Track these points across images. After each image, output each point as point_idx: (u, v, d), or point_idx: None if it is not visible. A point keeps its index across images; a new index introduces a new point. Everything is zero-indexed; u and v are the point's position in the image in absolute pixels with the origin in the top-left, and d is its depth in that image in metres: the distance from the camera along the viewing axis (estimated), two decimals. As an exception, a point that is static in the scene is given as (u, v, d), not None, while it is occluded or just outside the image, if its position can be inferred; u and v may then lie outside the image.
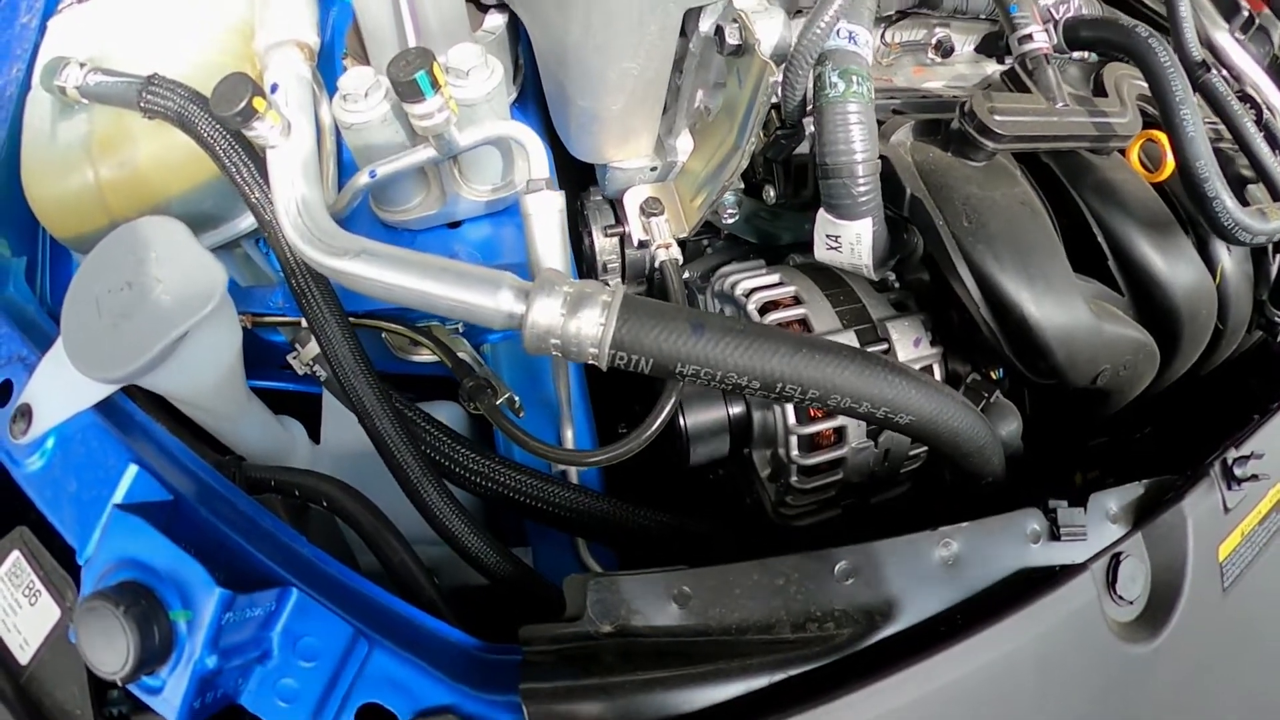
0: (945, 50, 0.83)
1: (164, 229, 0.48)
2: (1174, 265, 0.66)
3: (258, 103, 0.46)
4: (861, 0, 0.56)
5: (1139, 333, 0.65)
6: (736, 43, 0.57)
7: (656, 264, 0.64)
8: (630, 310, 0.47)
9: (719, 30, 0.58)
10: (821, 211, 0.58)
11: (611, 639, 0.46)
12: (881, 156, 0.60)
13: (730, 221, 0.69)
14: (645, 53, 0.57)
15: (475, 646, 0.47)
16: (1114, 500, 0.55)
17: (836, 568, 0.46)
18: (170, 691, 0.37)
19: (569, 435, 0.70)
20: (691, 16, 0.61)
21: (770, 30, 0.56)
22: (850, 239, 0.58)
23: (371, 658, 0.41)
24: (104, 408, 0.48)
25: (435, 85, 0.49)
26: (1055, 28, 0.73)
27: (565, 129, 0.68)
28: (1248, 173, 0.83)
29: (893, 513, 0.72)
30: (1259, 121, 0.91)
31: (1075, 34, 0.71)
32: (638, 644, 0.46)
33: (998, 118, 0.57)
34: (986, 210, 0.56)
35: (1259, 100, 0.89)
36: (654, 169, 0.67)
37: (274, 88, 0.52)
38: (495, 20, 0.65)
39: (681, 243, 0.74)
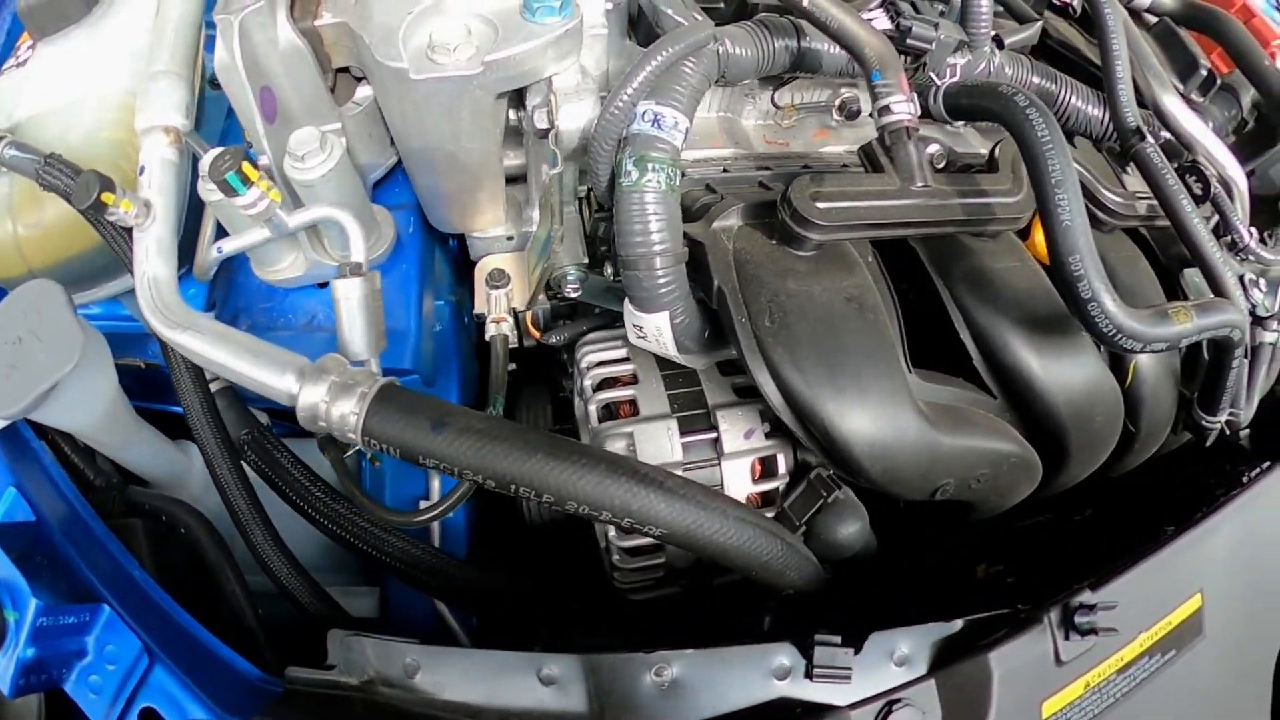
0: (850, 112, 0.82)
1: (47, 293, 0.65)
2: (1054, 367, 0.64)
3: (106, 197, 0.61)
4: (675, 77, 0.58)
5: (1004, 443, 0.64)
6: (544, 126, 0.63)
7: (487, 336, 0.73)
8: (380, 403, 0.56)
9: (534, 112, 0.64)
10: (626, 300, 0.63)
11: (358, 692, 0.58)
12: (699, 242, 0.64)
13: (575, 295, 0.73)
14: (465, 136, 0.64)
15: (254, 676, 0.61)
16: (906, 641, 0.55)
17: (541, 671, 0.52)
18: (1, 670, 0.56)
19: (435, 487, 0.82)
20: (517, 95, 0.68)
21: (575, 114, 0.61)
22: (652, 330, 0.62)
23: (152, 671, 0.55)
24: (5, 434, 0.67)
25: (247, 181, 0.61)
26: (937, 95, 0.69)
27: (420, 201, 0.77)
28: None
29: (733, 597, 0.76)
30: (1204, 196, 0.81)
31: (955, 102, 0.69)
32: (380, 701, 0.57)
33: (821, 204, 0.57)
34: (796, 309, 0.57)
35: (1208, 173, 0.79)
36: (510, 238, 0.75)
37: (142, 169, 0.68)
38: (364, 91, 0.76)
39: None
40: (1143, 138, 0.78)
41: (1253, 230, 0.86)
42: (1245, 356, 0.78)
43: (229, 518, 0.69)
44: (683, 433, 0.67)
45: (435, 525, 0.79)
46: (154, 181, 0.65)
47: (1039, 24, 0.86)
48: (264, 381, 0.58)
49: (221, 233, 0.70)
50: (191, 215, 0.70)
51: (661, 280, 0.58)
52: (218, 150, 0.62)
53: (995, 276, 0.65)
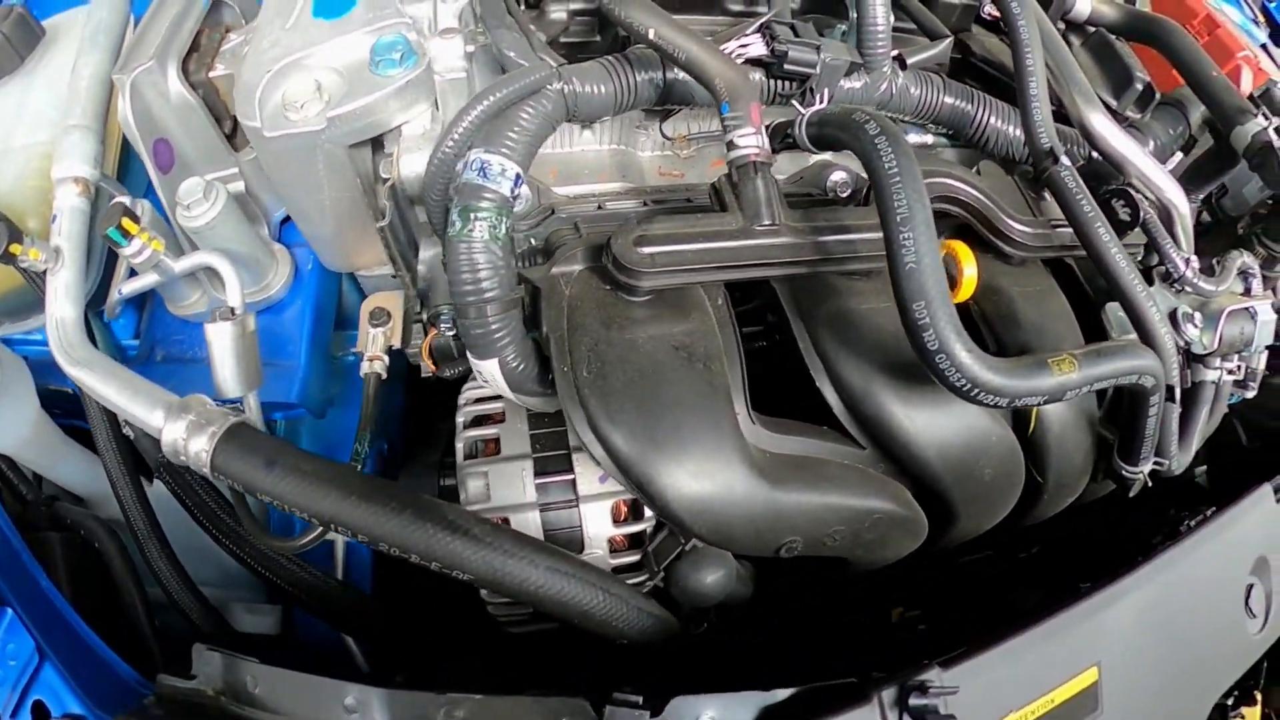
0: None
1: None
2: (922, 416, 0.62)
3: (14, 248, 0.71)
4: (508, 123, 0.61)
5: (864, 498, 0.63)
6: (385, 175, 0.68)
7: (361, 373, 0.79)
8: (226, 441, 0.61)
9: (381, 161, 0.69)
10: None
11: (211, 700, 0.66)
12: (538, 286, 0.67)
13: (450, 335, 0.75)
14: (327, 186, 0.70)
15: (131, 679, 0.70)
16: (713, 708, 0.55)
17: (345, 700, 0.58)
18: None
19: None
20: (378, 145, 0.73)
21: (415, 162, 0.66)
22: (487, 374, 0.66)
23: (42, 668, 0.64)
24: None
25: (127, 234, 0.70)
26: (801, 123, 0.68)
27: (308, 241, 0.83)
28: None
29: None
30: (1131, 222, 0.76)
31: (816, 131, 0.68)
32: (227, 711, 0.65)
33: (644, 250, 0.59)
34: (616, 358, 0.58)
35: (1139, 197, 0.74)
36: (395, 275, 0.81)
37: (54, 218, 0.78)
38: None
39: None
40: (1055, 160, 0.75)
41: (1192, 259, 0.81)
42: (1171, 400, 0.73)
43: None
44: (539, 474, 0.70)
45: (339, 552, 0.87)
46: (64, 229, 0.75)
47: (948, 41, 0.83)
48: (138, 416, 0.66)
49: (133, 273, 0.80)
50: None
51: (492, 327, 0.62)
52: (113, 202, 0.71)
53: (860, 319, 0.64)
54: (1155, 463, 0.78)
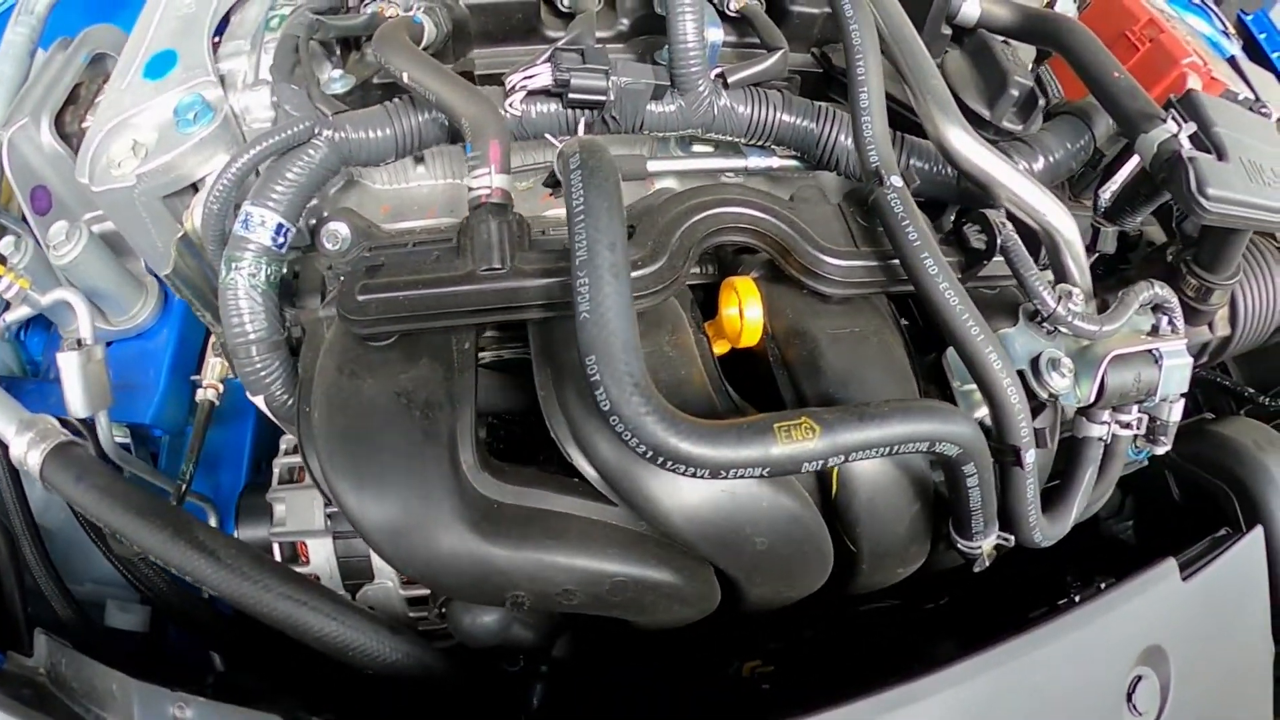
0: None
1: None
2: (664, 476, 0.60)
3: None
4: (273, 176, 0.69)
5: (601, 561, 0.64)
6: (182, 225, 0.79)
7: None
8: (53, 457, 0.73)
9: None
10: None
11: (40, 678, 0.81)
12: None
13: None
14: (154, 231, 0.83)
15: None
16: None
17: (111, 685, 0.70)
18: None
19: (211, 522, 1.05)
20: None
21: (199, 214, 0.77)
22: (260, 408, 0.75)
23: None
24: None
25: None
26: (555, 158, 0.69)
27: None
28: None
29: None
30: (986, 251, 0.69)
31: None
32: (45, 691, 0.80)
33: (363, 297, 0.63)
34: (341, 404, 0.63)
35: (999, 222, 0.67)
36: (196, 313, 0.93)
37: None
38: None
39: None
40: (881, 181, 0.71)
41: (1074, 294, 0.75)
42: (1018, 464, 0.68)
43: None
44: (329, 503, 0.79)
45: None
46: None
47: (779, 54, 0.80)
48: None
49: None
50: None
51: (257, 366, 0.71)
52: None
53: None
54: (1001, 536, 0.73)
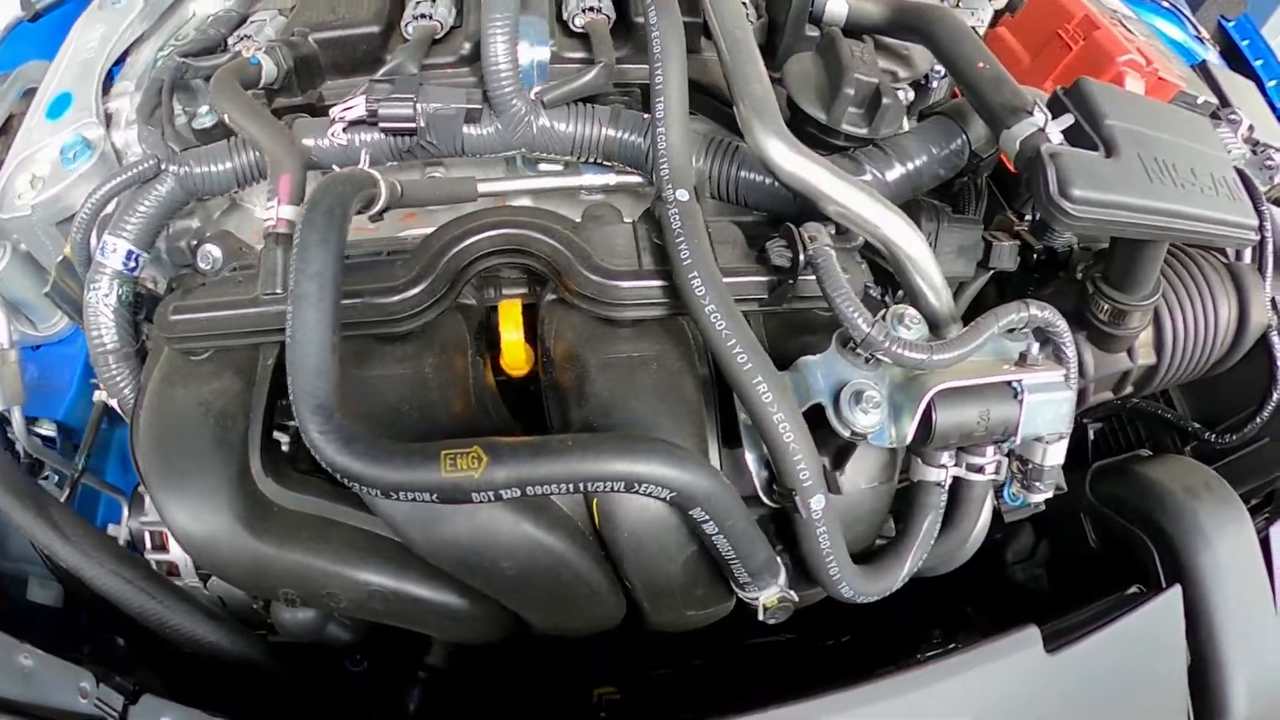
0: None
1: None
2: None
3: None
4: (127, 209, 0.84)
5: (366, 572, 0.73)
6: (65, 249, 0.96)
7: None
8: None
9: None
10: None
11: None
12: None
13: None
14: (55, 253, 1.02)
15: None
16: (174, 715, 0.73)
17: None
18: None
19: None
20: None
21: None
22: (119, 410, 0.90)
23: None
24: None
25: None
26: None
27: None
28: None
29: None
30: (790, 269, 0.76)
31: None
32: None
33: (174, 317, 0.77)
34: (158, 411, 0.76)
35: (808, 237, 0.75)
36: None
37: None
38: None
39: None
40: (665, 201, 0.74)
41: (907, 315, 0.74)
42: (794, 505, 0.68)
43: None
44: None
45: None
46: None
47: (598, 68, 0.86)
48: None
49: None
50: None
51: (113, 374, 0.86)
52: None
53: (369, 386, 0.74)
54: (782, 592, 0.73)
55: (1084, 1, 1.41)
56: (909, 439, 0.71)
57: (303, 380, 0.62)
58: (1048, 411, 0.76)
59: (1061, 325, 0.79)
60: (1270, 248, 1.18)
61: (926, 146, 0.89)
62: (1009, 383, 0.74)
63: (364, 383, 0.76)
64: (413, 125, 0.84)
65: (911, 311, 0.75)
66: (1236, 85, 1.97)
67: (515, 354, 0.76)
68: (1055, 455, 0.80)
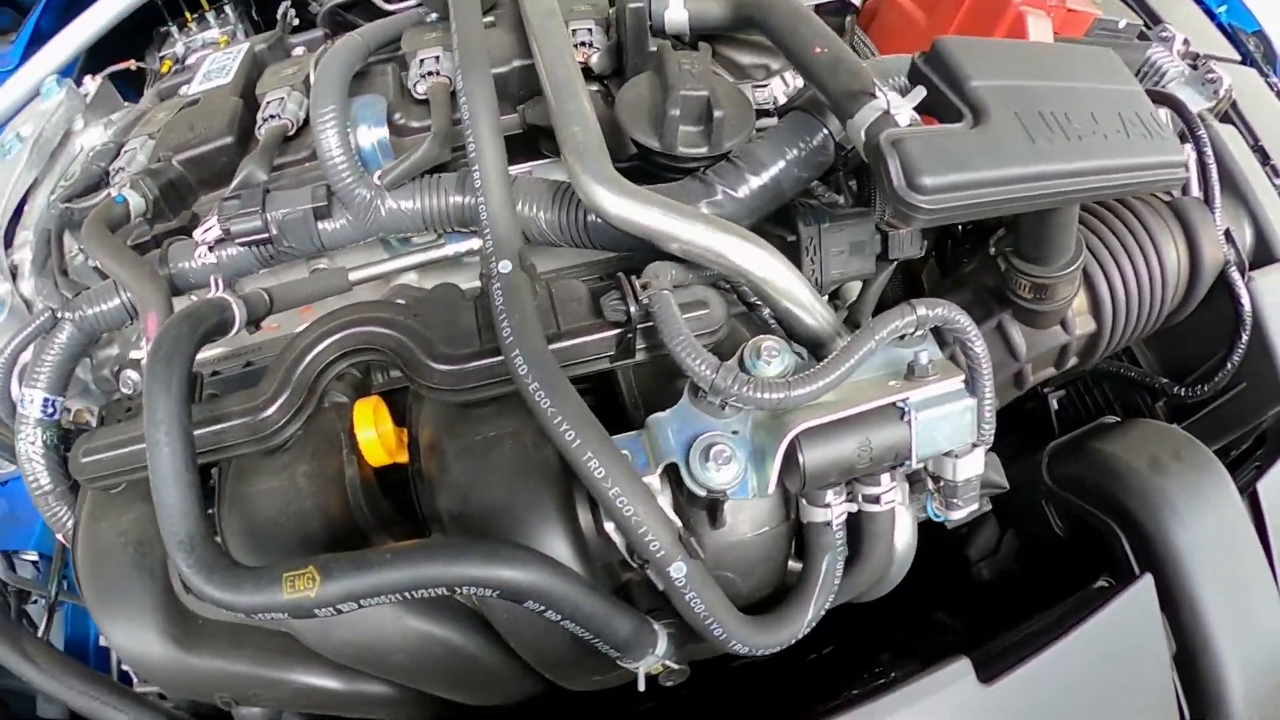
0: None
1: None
2: None
3: None
4: (36, 359, 0.94)
5: (278, 670, 0.82)
6: None
7: None
8: None
9: None
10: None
11: None
12: None
13: None
14: None
15: None
16: None
17: None
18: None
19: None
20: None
21: None
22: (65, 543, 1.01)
23: None
24: None
25: None
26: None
27: None
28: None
29: None
30: (629, 324, 0.75)
31: None
32: None
33: (85, 459, 0.84)
34: (86, 544, 0.86)
35: (633, 289, 0.76)
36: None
37: None
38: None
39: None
40: (489, 270, 0.77)
41: (765, 348, 0.73)
42: (658, 573, 0.70)
43: None
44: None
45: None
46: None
47: (427, 140, 0.89)
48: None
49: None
50: None
51: (53, 511, 0.97)
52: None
53: (249, 500, 0.81)
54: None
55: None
56: (771, 488, 0.71)
57: (165, 520, 0.70)
58: (946, 426, 0.73)
59: (963, 321, 0.75)
60: (1215, 175, 1.12)
61: (781, 150, 0.87)
62: (895, 403, 0.72)
63: (246, 499, 0.83)
64: (265, 235, 0.90)
65: (770, 344, 0.74)
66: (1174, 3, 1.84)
67: (373, 452, 0.81)
68: (969, 468, 0.78)
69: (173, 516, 0.69)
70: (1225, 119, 1.68)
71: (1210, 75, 1.60)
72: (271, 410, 0.81)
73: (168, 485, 0.70)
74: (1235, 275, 1.12)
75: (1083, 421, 1.28)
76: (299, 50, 1.14)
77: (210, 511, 0.84)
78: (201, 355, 0.91)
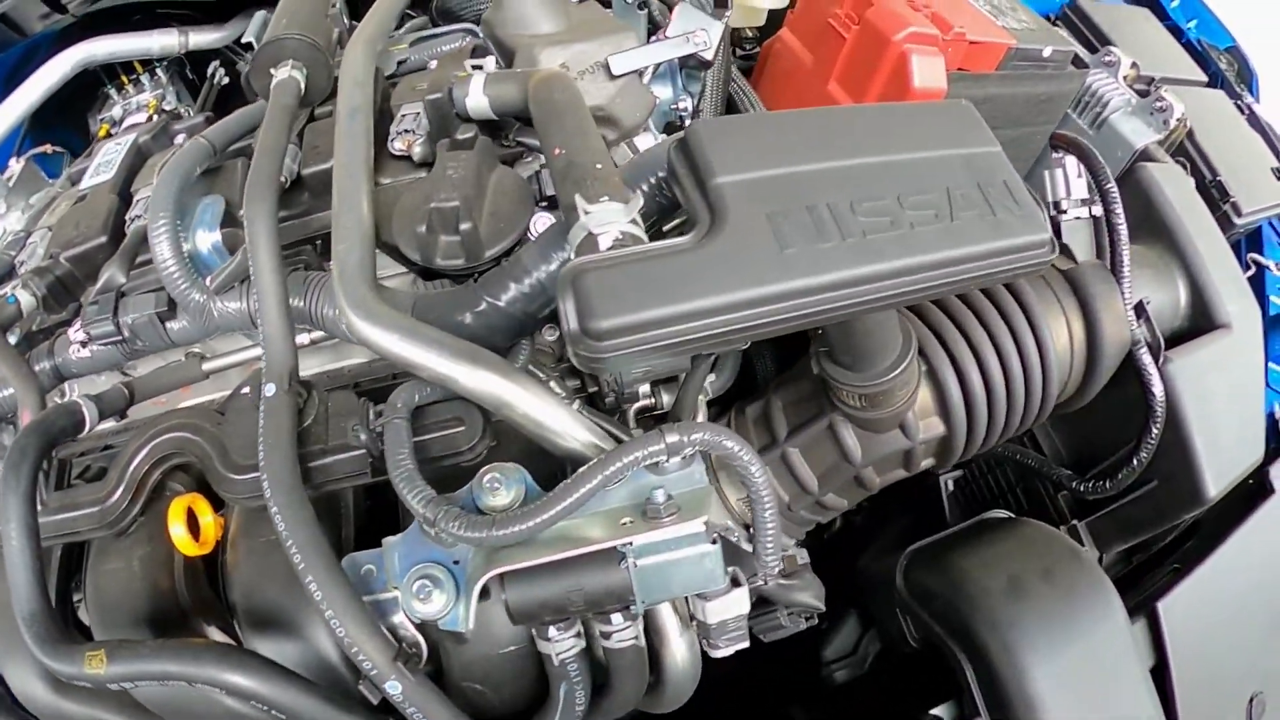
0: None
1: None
2: None
3: None
4: None
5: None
6: None
7: None
8: None
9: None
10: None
11: None
12: None
13: None
14: None
15: None
16: None
17: None
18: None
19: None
20: None
21: None
22: None
23: None
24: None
25: None
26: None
27: None
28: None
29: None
30: (375, 462, 0.83)
31: None
32: None
33: None
34: None
35: (367, 416, 0.95)
36: None
37: None
38: None
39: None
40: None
41: (489, 479, 0.79)
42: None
43: None
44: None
45: None
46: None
47: (239, 252, 1.00)
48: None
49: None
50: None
51: None
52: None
53: (106, 579, 1.00)
54: None
55: (864, -27, 1.27)
56: (470, 624, 0.78)
57: (14, 599, 0.89)
58: (678, 572, 0.75)
59: (732, 447, 0.73)
60: (1124, 238, 1.05)
61: (548, 255, 0.90)
62: (615, 547, 0.74)
63: (99, 576, 1.02)
64: (119, 338, 1.07)
65: (494, 474, 0.80)
66: (1119, 17, 1.69)
67: (183, 545, 0.97)
68: (724, 610, 0.81)
69: (20, 596, 0.89)
70: (1179, 151, 1.54)
71: (1160, 103, 1.47)
72: (112, 500, 0.98)
73: (16, 571, 0.89)
74: (1145, 358, 1.02)
75: (980, 506, 1.24)
76: (180, 138, 1.28)
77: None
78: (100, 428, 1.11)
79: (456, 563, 0.81)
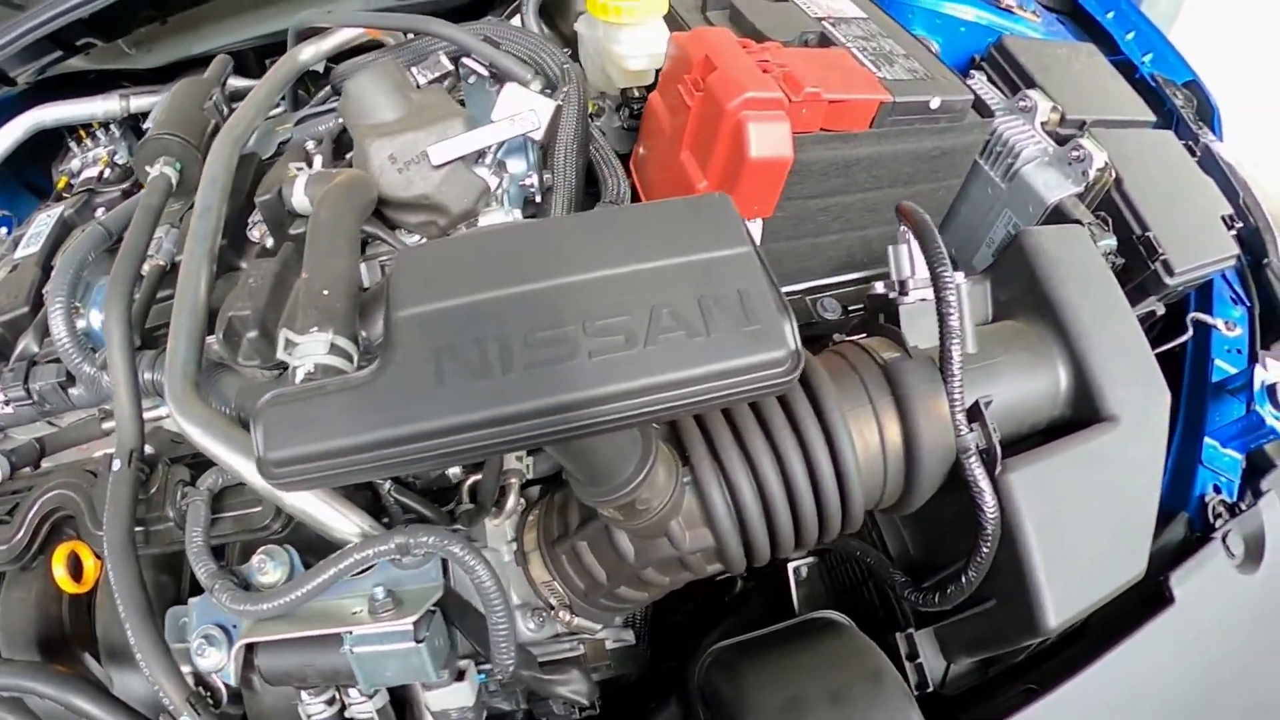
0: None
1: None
2: None
3: None
4: None
5: None
6: None
7: None
8: None
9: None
10: None
11: None
12: None
13: None
14: None
15: None
16: None
17: None
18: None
19: None
20: None
21: None
22: None
23: None
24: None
25: None
26: None
27: None
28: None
29: None
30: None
31: None
32: None
33: None
34: None
35: (190, 499, 1.01)
36: None
37: None
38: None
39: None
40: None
41: (258, 556, 1.02)
42: None
43: None
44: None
45: None
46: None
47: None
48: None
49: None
50: None
51: None
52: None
53: (6, 607, 1.26)
54: None
55: (715, 36, 1.32)
56: (234, 681, 0.98)
57: None
58: (392, 663, 0.89)
59: (457, 551, 0.87)
60: (953, 330, 0.94)
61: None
62: (339, 634, 0.90)
63: (7, 604, 1.29)
64: (30, 404, 1.32)
65: (265, 555, 1.00)
66: (1052, 57, 1.63)
67: (65, 584, 1.22)
68: (446, 701, 0.97)
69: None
70: (1104, 204, 1.51)
71: (1077, 152, 1.45)
72: (15, 539, 1.23)
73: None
74: (977, 469, 0.93)
75: (835, 596, 1.23)
76: (100, 212, 1.52)
77: None
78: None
79: (235, 626, 1.02)
